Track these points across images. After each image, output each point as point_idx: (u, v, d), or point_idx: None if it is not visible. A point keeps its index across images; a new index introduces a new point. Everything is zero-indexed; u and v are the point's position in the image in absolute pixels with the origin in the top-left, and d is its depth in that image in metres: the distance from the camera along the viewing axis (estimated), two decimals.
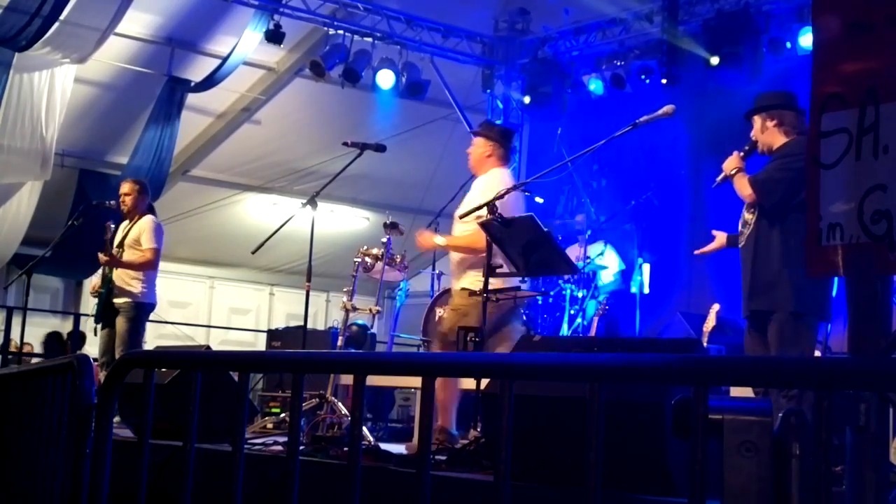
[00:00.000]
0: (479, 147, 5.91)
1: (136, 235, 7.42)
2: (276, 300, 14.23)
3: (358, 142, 6.40)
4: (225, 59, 10.03)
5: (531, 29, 11.05)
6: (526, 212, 5.44)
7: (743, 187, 4.95)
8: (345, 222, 12.73)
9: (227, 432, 3.49)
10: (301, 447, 2.81)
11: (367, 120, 11.04)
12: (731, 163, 5.06)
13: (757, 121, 5.07)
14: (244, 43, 9.81)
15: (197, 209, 12.19)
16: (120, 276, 7.35)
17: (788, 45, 8.95)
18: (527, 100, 10.85)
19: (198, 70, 10.53)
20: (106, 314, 7.36)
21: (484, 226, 5.41)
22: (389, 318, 11.08)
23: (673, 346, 4.51)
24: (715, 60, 9.09)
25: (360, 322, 9.32)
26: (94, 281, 7.70)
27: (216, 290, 13.97)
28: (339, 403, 6.37)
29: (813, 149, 2.46)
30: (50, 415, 3.41)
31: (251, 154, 11.90)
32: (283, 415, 6.87)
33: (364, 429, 5.83)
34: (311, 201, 6.34)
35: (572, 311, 9.11)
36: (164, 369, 5.03)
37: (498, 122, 11.31)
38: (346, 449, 4.61)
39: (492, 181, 5.72)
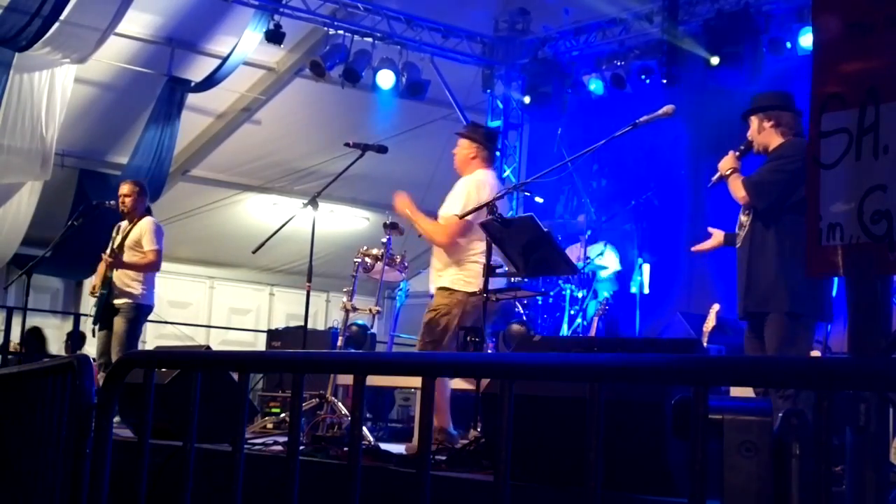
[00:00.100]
0: (464, 148, 5.99)
1: (136, 237, 7.42)
2: (276, 300, 14.22)
3: (359, 143, 6.41)
4: (225, 59, 10.03)
5: (531, 29, 11.05)
6: (514, 212, 5.50)
7: (737, 189, 4.94)
8: (345, 222, 12.73)
9: (227, 432, 3.49)
10: (301, 447, 2.81)
11: (367, 120, 11.04)
12: (727, 163, 5.06)
13: (754, 121, 5.06)
14: (244, 43, 9.82)
15: (197, 209, 12.19)
16: (120, 278, 7.35)
17: (788, 45, 8.95)
18: (527, 100, 10.85)
19: (198, 70, 10.54)
20: (105, 315, 7.36)
21: (484, 226, 5.41)
22: (389, 318, 11.08)
23: (673, 346, 4.51)
24: (715, 60, 9.09)
25: (360, 322, 9.32)
26: (93, 281, 7.70)
27: (216, 291, 13.97)
28: (339, 403, 6.37)
29: (813, 149, 2.46)
30: (50, 415, 3.41)
31: (251, 154, 11.90)
32: (283, 415, 6.87)
33: (364, 429, 5.83)
34: (313, 201, 6.34)
35: (572, 312, 9.12)
36: (164, 369, 5.02)
37: (497, 123, 11.36)
38: (346, 449, 4.61)
39: (469, 182, 5.81)
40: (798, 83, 6.13)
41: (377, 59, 10.33)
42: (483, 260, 5.66)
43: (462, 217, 5.55)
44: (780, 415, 2.53)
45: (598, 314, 8.45)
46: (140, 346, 8.96)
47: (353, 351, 8.26)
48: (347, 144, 6.49)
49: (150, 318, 7.87)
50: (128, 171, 10.59)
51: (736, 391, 4.68)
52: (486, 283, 5.38)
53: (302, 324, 6.86)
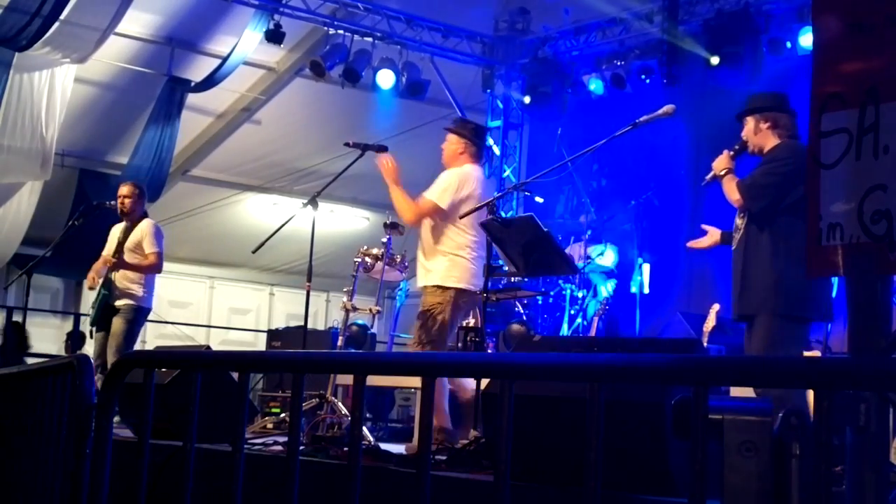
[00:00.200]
0: (452, 143, 6.00)
1: (136, 239, 7.42)
2: (276, 300, 14.22)
3: (359, 142, 6.40)
4: (225, 59, 10.03)
5: (531, 29, 11.05)
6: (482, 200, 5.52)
7: (731, 191, 4.93)
8: (345, 222, 12.73)
9: (227, 432, 3.49)
10: (301, 447, 2.81)
11: (367, 120, 11.04)
12: (721, 163, 5.04)
13: (750, 122, 5.04)
14: (244, 43, 9.82)
15: (197, 209, 12.19)
16: (121, 279, 7.35)
17: (788, 45, 8.96)
18: (527, 100, 10.85)
19: (198, 70, 10.54)
20: (103, 317, 7.35)
21: (483, 225, 5.41)
22: (389, 318, 11.08)
23: (673, 346, 4.51)
24: (715, 60, 9.09)
25: (360, 322, 9.33)
26: (90, 275, 7.66)
27: (216, 290, 13.97)
28: (339, 403, 6.37)
29: (813, 149, 2.46)
30: (50, 415, 3.41)
31: (251, 154, 11.90)
32: (283, 415, 6.86)
33: (364, 429, 5.83)
34: (312, 201, 6.35)
35: (572, 311, 9.12)
36: (164, 369, 5.03)
37: (497, 123, 11.36)
38: (346, 449, 4.61)
39: (454, 172, 5.83)
40: (798, 83, 6.12)
41: (377, 59, 10.33)
42: (473, 255, 5.66)
43: (462, 217, 5.54)
44: (780, 415, 2.53)
45: (598, 314, 8.45)
46: (140, 346, 8.98)
47: (353, 351, 8.26)
48: (347, 144, 6.48)
49: (150, 317, 7.88)
50: (128, 170, 10.59)
51: (736, 391, 4.68)
52: (486, 283, 5.38)
53: (302, 324, 6.86)
